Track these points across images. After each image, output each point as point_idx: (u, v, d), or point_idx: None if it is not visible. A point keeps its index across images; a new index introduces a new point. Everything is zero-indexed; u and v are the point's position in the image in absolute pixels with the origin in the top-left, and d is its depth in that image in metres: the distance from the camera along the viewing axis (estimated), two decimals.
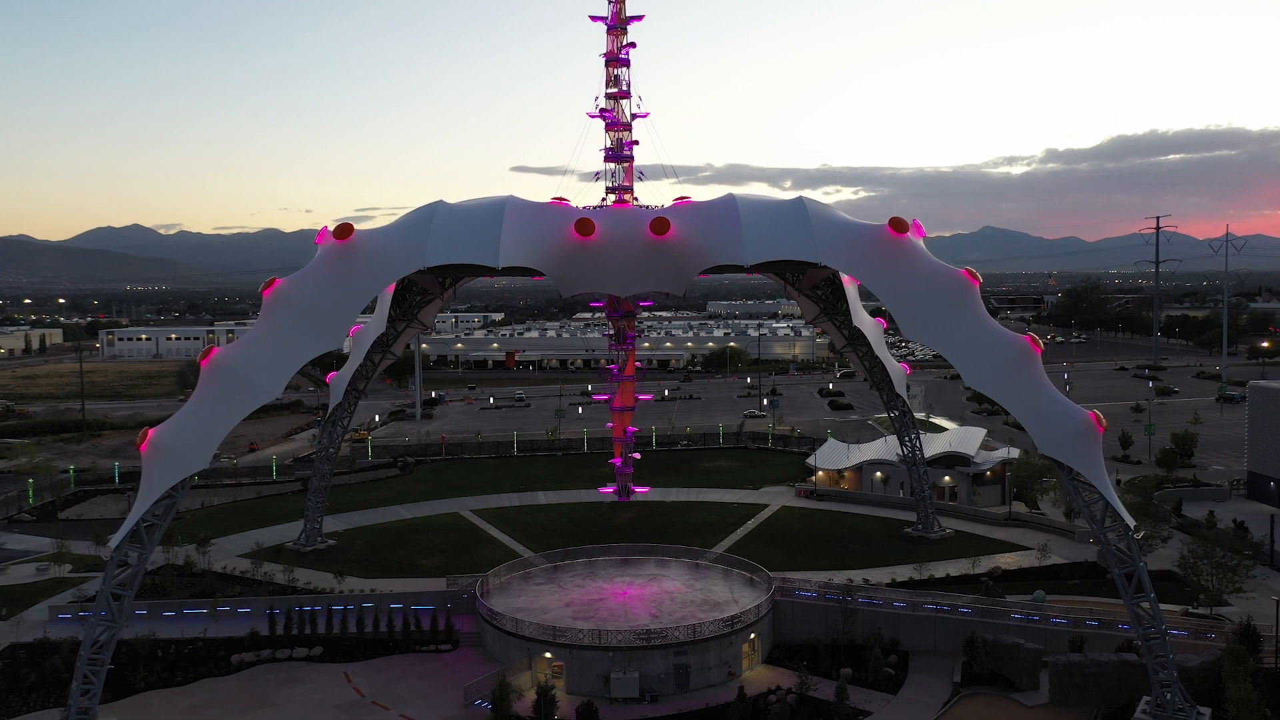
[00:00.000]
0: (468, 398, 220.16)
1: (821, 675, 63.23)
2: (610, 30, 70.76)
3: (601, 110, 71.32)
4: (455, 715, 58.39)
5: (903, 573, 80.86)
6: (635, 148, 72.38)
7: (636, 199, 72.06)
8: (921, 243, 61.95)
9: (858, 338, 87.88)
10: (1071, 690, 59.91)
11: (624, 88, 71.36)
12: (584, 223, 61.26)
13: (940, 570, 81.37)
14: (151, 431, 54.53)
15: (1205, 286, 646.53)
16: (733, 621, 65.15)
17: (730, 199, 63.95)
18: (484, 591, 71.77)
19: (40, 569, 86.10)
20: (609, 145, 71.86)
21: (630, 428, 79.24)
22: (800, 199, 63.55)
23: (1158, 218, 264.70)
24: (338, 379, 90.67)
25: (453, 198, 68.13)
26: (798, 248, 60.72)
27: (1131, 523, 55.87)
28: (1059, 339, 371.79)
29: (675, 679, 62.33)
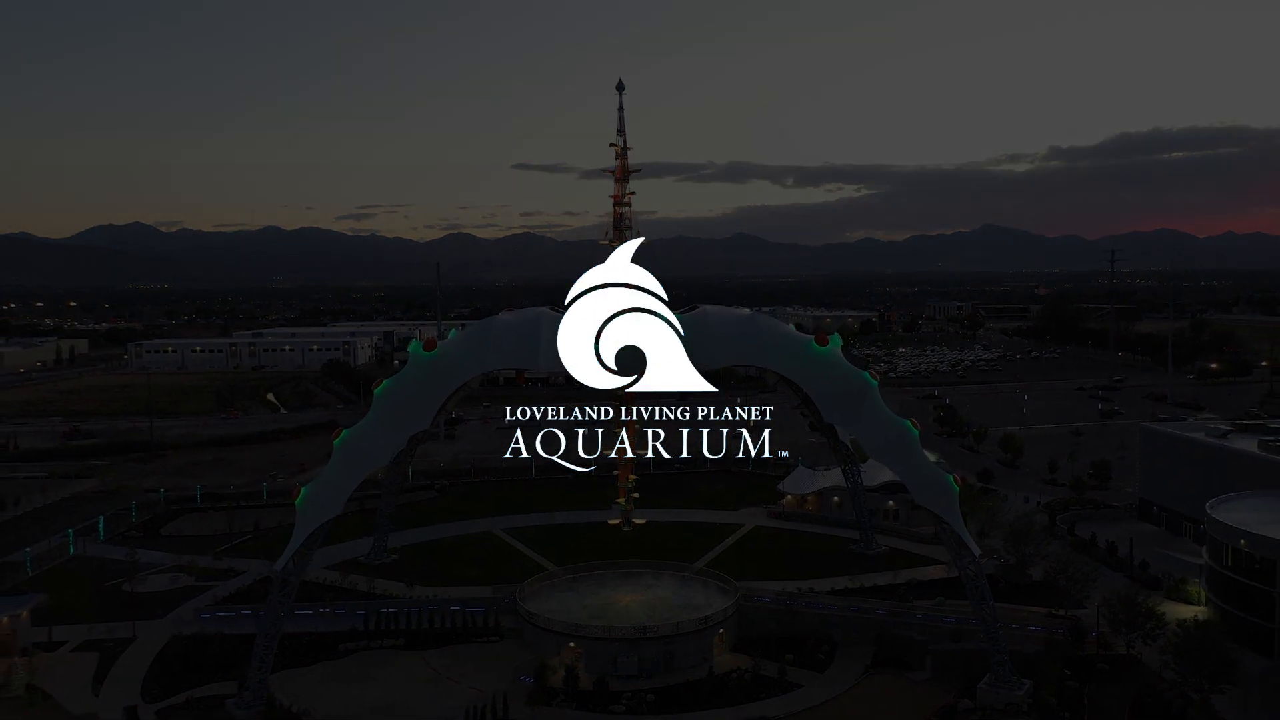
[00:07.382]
0: (484, 416, 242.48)
1: (771, 660, 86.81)
2: (617, 181, 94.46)
3: (610, 241, 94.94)
4: (508, 687, 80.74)
5: (840, 582, 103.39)
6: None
7: None
8: (840, 350, 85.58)
9: (808, 399, 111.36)
10: (946, 670, 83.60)
11: (628, 223, 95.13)
12: None
13: (870, 580, 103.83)
14: (301, 489, 78.61)
15: (1184, 296, 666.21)
16: (706, 620, 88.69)
17: (703, 313, 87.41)
18: (522, 596, 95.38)
19: (172, 578, 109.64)
20: None
21: (632, 475, 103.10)
22: (755, 315, 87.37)
23: (1112, 252, 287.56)
24: None
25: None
26: (752, 355, 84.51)
27: (977, 552, 79.96)
28: (1034, 353, 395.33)
29: (664, 662, 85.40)
